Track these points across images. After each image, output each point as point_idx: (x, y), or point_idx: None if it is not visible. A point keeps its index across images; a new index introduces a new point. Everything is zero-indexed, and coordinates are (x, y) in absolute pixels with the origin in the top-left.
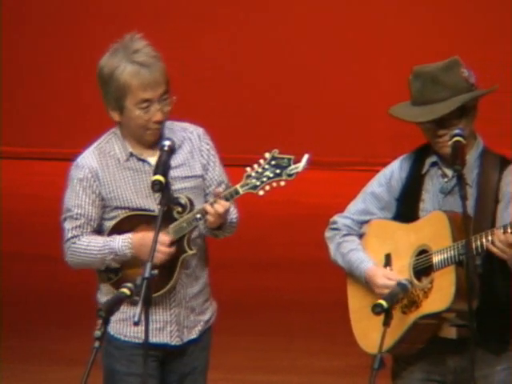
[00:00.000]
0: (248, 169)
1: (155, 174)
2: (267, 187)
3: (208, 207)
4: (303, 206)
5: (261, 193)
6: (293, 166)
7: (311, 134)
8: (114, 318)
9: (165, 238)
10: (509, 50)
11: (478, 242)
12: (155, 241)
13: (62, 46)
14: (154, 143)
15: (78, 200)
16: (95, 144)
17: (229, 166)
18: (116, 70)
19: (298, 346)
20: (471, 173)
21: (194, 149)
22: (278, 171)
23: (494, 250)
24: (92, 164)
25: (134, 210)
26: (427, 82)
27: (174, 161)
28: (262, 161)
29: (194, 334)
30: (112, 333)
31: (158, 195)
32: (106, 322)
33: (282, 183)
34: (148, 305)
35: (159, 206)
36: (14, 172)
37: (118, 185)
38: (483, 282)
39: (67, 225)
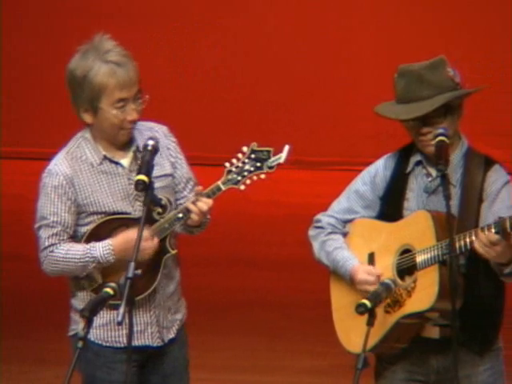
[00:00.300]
0: (227, 164)
1: (139, 173)
2: (248, 181)
3: (191, 206)
4: (285, 206)
5: (242, 187)
6: (273, 158)
7: (294, 134)
8: (93, 324)
9: (145, 233)
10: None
11: (462, 242)
12: (139, 239)
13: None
14: (126, 144)
15: (53, 208)
16: (65, 150)
17: (211, 165)
18: (90, 71)
19: (283, 346)
20: (455, 172)
21: (161, 147)
22: (258, 164)
23: (477, 249)
24: (65, 170)
25: (110, 214)
26: (412, 80)
27: None
28: (240, 155)
29: (172, 334)
30: (92, 339)
31: (133, 197)
32: (90, 321)
33: (263, 176)
34: (132, 305)
35: (143, 206)
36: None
37: (93, 190)
38: (467, 282)
39: (43, 233)
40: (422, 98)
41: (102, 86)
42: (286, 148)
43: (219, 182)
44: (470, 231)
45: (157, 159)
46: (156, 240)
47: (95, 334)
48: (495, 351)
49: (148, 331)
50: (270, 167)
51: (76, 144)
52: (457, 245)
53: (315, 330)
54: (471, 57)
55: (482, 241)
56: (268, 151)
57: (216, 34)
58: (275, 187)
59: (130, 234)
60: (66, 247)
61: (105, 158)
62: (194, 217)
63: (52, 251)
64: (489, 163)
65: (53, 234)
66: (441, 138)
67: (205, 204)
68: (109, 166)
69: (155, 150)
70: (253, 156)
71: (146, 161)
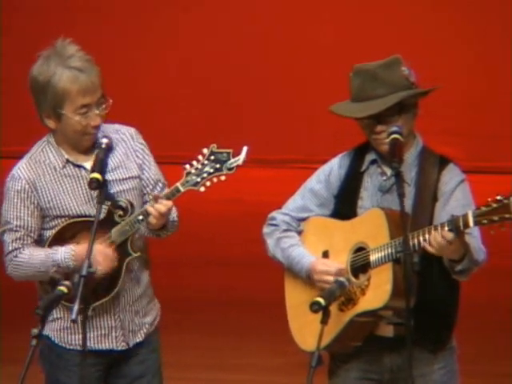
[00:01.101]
0: (187, 166)
1: (92, 171)
2: (208, 183)
3: (150, 208)
4: (245, 204)
5: (202, 189)
6: (232, 160)
7: (252, 132)
8: (56, 326)
9: (108, 249)
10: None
11: (416, 240)
12: (93, 239)
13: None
14: (89, 148)
15: (16, 212)
16: (29, 154)
17: (168, 163)
18: (52, 77)
19: (248, 344)
20: (410, 171)
21: (128, 150)
22: (217, 166)
23: (429, 248)
24: (28, 175)
25: (73, 217)
26: (367, 79)
27: (111, 163)
28: (200, 157)
29: (139, 337)
30: (56, 341)
31: (96, 200)
32: (44, 320)
33: (223, 177)
34: (86, 303)
35: (97, 204)
36: None
37: (56, 193)
38: (421, 280)
39: (7, 238)
40: (377, 97)
41: (64, 92)
42: (245, 149)
43: (178, 184)
44: (424, 229)
45: (123, 161)
46: (115, 257)
47: (58, 337)
48: (449, 350)
49: (112, 335)
50: (230, 169)
51: (40, 148)
52: (410, 243)
53: (270, 329)
54: (423, 55)
55: (436, 239)
56: (228, 153)
57: (180, 34)
58: (233, 186)
59: (94, 246)
60: (30, 251)
61: (67, 161)
62: (152, 219)
63: (16, 256)
64: (443, 162)
65: (16, 239)
66: (394, 135)
67: (163, 206)
68: (72, 169)
69: (109, 148)
70: (212, 158)
71: (99, 159)
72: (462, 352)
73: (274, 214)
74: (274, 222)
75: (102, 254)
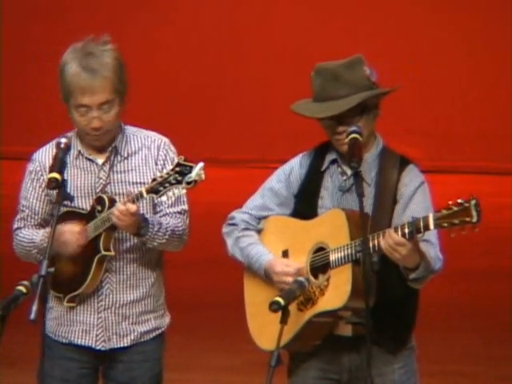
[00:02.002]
0: (158, 173)
1: (51, 171)
2: (169, 193)
3: (113, 209)
4: (202, 204)
5: (163, 198)
6: (190, 175)
7: (210, 131)
8: (49, 316)
9: (75, 227)
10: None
11: (375, 241)
12: (51, 238)
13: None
14: (104, 146)
15: (25, 192)
16: (56, 140)
17: None
18: (65, 66)
19: (196, 344)
20: (370, 172)
21: (149, 156)
22: (179, 178)
23: (385, 250)
24: (43, 158)
25: (70, 207)
26: (328, 78)
27: (126, 165)
28: (169, 167)
29: (124, 343)
30: (46, 331)
31: (93, 196)
32: (3, 319)
33: (183, 191)
34: (45, 302)
35: (54, 204)
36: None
37: (68, 181)
38: (380, 280)
39: (17, 216)
40: (338, 97)
41: (69, 86)
42: (199, 166)
43: (143, 189)
44: (384, 231)
45: (139, 166)
46: (82, 237)
47: (49, 326)
48: (408, 350)
49: (93, 333)
50: (188, 183)
51: (70, 135)
52: (370, 244)
53: (230, 328)
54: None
55: (387, 241)
56: (190, 167)
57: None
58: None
59: (65, 227)
60: (26, 232)
61: (79, 153)
62: (113, 218)
63: (17, 234)
64: (404, 163)
65: (21, 218)
66: (353, 135)
67: (124, 207)
68: (83, 161)
69: (68, 148)
70: (177, 169)
71: (59, 158)
72: (422, 351)
73: (233, 213)
74: (232, 222)
75: (69, 233)
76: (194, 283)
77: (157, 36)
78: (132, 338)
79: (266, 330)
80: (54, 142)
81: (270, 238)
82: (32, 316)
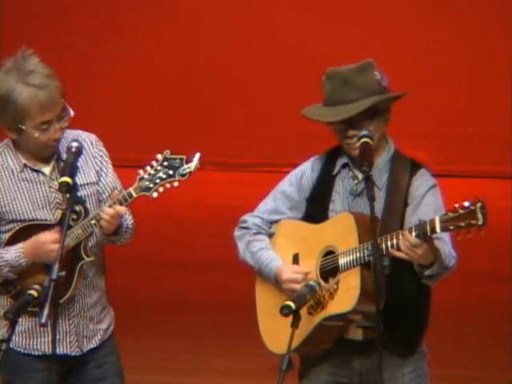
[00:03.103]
0: (141, 171)
1: (62, 175)
2: (161, 189)
3: (101, 212)
4: (211, 208)
5: (155, 195)
6: (185, 166)
7: (219, 135)
8: (15, 331)
9: (55, 235)
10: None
11: (384, 245)
12: (63, 241)
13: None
14: (50, 155)
15: None
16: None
17: (127, 167)
18: (12, 93)
19: (205, 348)
20: (381, 176)
21: (87, 156)
22: (170, 172)
23: (397, 253)
24: None
25: (29, 221)
26: (339, 83)
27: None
28: (154, 162)
29: (93, 344)
30: (11, 345)
31: (54, 205)
32: (14, 324)
33: (176, 184)
34: (56, 307)
35: (66, 209)
36: None
37: (13, 197)
38: (391, 284)
39: None
40: (348, 101)
41: (24, 110)
42: (197, 156)
43: (131, 189)
44: (392, 234)
45: (81, 167)
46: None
47: (14, 341)
48: (419, 354)
49: (67, 340)
50: (182, 175)
51: (0, 151)
52: (380, 247)
53: (240, 332)
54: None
55: (403, 244)
56: (181, 159)
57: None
58: (200, 189)
59: (41, 237)
60: None
61: (25, 166)
62: (103, 223)
63: None
64: (415, 167)
65: None
66: (364, 139)
67: (114, 211)
68: (30, 173)
69: (79, 151)
70: (165, 163)
71: (69, 163)
72: (432, 354)
73: (245, 216)
74: (244, 225)
75: (52, 241)
76: (203, 286)
77: (162, 38)
78: (99, 337)
79: (276, 334)
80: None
81: (281, 242)
82: (43, 320)
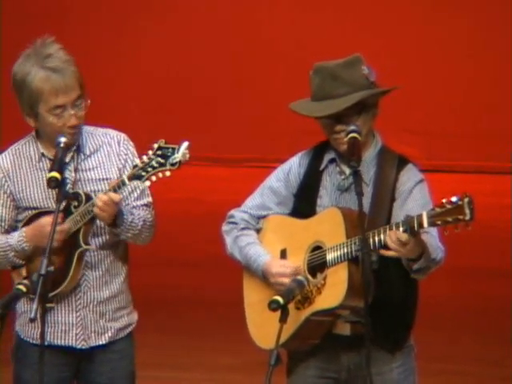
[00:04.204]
0: (137, 160)
1: (51, 170)
2: (153, 177)
3: (95, 199)
4: (202, 203)
5: (147, 183)
6: (175, 155)
7: (210, 131)
8: (22, 321)
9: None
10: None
11: (371, 240)
12: (52, 236)
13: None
14: (69, 145)
15: None
16: (13, 146)
17: None
18: (27, 76)
19: (195, 343)
20: (369, 171)
21: (112, 152)
22: (162, 161)
23: (388, 253)
24: (4, 164)
25: (41, 209)
26: (327, 77)
27: (90, 163)
28: (150, 151)
29: (102, 340)
30: (22, 336)
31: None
32: (2, 317)
33: (168, 173)
34: (45, 302)
35: (56, 203)
36: None
37: (28, 185)
38: (378, 279)
39: None
40: (337, 96)
41: (38, 92)
42: (184, 144)
43: (124, 176)
44: (379, 229)
45: (103, 163)
46: (66, 225)
47: (24, 332)
48: (407, 348)
49: (72, 332)
50: (172, 164)
51: (25, 141)
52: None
53: (230, 327)
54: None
55: (391, 239)
56: (173, 148)
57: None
58: (192, 185)
59: (41, 221)
60: None
61: (43, 155)
62: (96, 209)
63: None
64: (402, 162)
65: None
66: (353, 134)
67: (108, 198)
68: (47, 163)
69: (68, 147)
70: (159, 153)
71: (58, 158)
72: (419, 349)
73: (232, 211)
74: (232, 220)
75: (49, 224)
76: (194, 282)
77: (156, 34)
78: (110, 335)
79: (264, 329)
80: (13, 147)
81: (269, 237)
82: (32, 315)
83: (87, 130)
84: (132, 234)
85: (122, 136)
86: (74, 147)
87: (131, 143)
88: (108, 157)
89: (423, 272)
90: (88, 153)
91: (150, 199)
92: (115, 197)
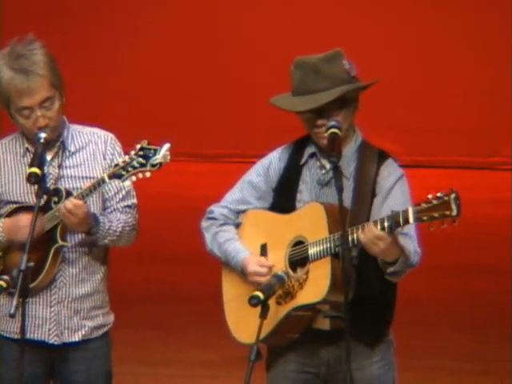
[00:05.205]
0: (119, 158)
1: (31, 166)
2: (133, 177)
3: (60, 207)
4: (181, 199)
5: (127, 182)
6: (156, 157)
7: (189, 126)
8: None
9: (30, 215)
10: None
11: (354, 235)
12: (32, 232)
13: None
14: (51, 142)
15: None
16: (2, 140)
17: None
18: (0, 74)
19: (173, 339)
20: (349, 166)
21: (97, 151)
22: (143, 162)
23: (364, 244)
24: None
25: (21, 203)
26: (308, 72)
27: (74, 160)
28: (132, 151)
29: (76, 337)
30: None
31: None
32: None
33: (148, 174)
34: (25, 297)
35: (36, 198)
36: None
37: (11, 179)
38: (358, 275)
39: None
40: (318, 90)
41: (6, 93)
42: (165, 147)
43: (104, 175)
44: (363, 224)
45: (87, 161)
46: (39, 225)
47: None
48: (386, 343)
49: (46, 327)
50: (153, 165)
51: (13, 136)
52: (349, 237)
53: (209, 323)
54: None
55: (367, 235)
56: (155, 149)
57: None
58: (171, 180)
59: (19, 215)
60: None
61: (27, 150)
62: (62, 217)
63: None
64: (382, 157)
65: None
66: (333, 130)
67: (70, 203)
68: (31, 158)
69: (48, 142)
70: (141, 153)
71: (38, 153)
72: (399, 344)
73: (212, 207)
74: (211, 216)
75: (27, 219)
76: (173, 277)
77: (139, 32)
78: (83, 333)
79: (244, 324)
80: (1, 142)
81: (249, 232)
82: (12, 310)
83: (75, 128)
84: (109, 241)
85: (110, 136)
86: (58, 143)
87: (118, 144)
88: (93, 155)
89: (398, 275)
90: (73, 150)
91: (134, 201)
92: (77, 203)
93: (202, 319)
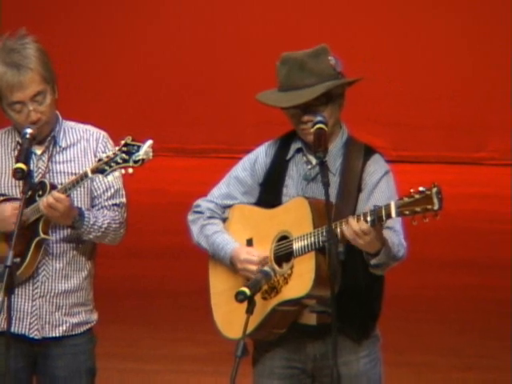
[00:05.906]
0: (103, 154)
1: (17, 161)
2: (116, 173)
3: (40, 201)
4: (169, 194)
5: (109, 178)
6: (138, 153)
7: (176, 122)
8: None
9: (15, 205)
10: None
11: (338, 229)
12: (17, 226)
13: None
14: (44, 137)
15: None
16: None
17: None
18: None
19: (161, 334)
20: (335, 161)
21: (88, 148)
22: (126, 157)
23: (347, 237)
24: None
25: (6, 196)
26: (294, 68)
27: (65, 156)
28: (116, 147)
29: (56, 333)
30: None
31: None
32: None
33: (130, 170)
34: (10, 294)
35: (21, 194)
36: None
37: (1, 172)
38: (344, 270)
39: None
40: (304, 86)
41: None
42: (147, 143)
43: (87, 169)
44: (346, 218)
45: (77, 157)
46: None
47: None
48: (373, 338)
49: (27, 321)
50: (135, 161)
51: (6, 130)
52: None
53: (196, 318)
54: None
55: (352, 228)
56: (138, 146)
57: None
58: (158, 175)
59: (3, 206)
60: None
61: (18, 143)
62: (43, 211)
63: None
64: (369, 153)
65: None
66: (319, 125)
67: (51, 197)
68: (17, 153)
69: (34, 138)
70: (124, 149)
71: (24, 149)
72: (386, 340)
73: (198, 201)
74: (198, 210)
75: (12, 208)
76: (160, 272)
77: (124, 27)
78: (64, 328)
79: (230, 319)
80: None
81: (235, 227)
82: None
83: (68, 124)
84: (94, 237)
85: (102, 134)
86: (49, 138)
87: (111, 142)
88: (84, 152)
89: (382, 268)
90: (64, 145)
91: (122, 200)
92: (59, 197)
93: (190, 315)
